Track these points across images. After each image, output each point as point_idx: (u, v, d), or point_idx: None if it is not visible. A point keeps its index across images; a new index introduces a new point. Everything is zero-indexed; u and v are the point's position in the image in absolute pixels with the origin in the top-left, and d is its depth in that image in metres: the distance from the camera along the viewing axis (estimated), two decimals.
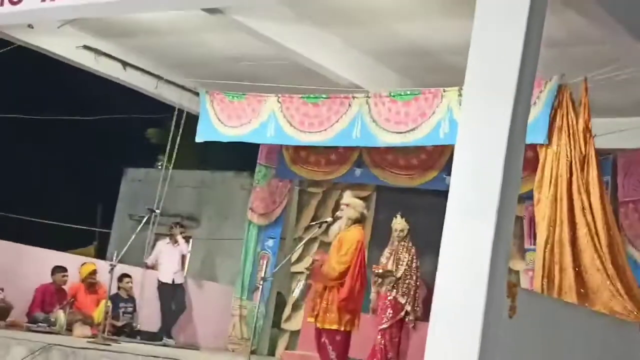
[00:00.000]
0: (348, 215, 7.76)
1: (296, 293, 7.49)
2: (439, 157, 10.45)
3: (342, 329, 7.44)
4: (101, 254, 15.77)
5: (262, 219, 11.90)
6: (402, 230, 9.85)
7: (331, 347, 7.42)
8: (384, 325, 9.65)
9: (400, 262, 9.79)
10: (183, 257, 11.30)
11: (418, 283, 9.87)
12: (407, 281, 9.75)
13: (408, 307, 9.71)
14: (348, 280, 7.40)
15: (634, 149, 9.43)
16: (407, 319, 9.78)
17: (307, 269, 7.74)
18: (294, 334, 11.48)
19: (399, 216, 9.95)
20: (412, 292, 9.77)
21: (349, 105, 9.69)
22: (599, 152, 7.89)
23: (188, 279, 11.70)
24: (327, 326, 7.44)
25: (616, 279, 7.29)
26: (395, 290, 9.72)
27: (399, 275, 9.73)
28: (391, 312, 9.68)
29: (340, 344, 7.43)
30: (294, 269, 11.71)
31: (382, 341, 9.65)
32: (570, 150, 7.61)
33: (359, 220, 7.79)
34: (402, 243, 9.87)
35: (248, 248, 11.91)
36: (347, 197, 7.98)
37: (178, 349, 10.21)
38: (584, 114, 7.68)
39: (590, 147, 7.64)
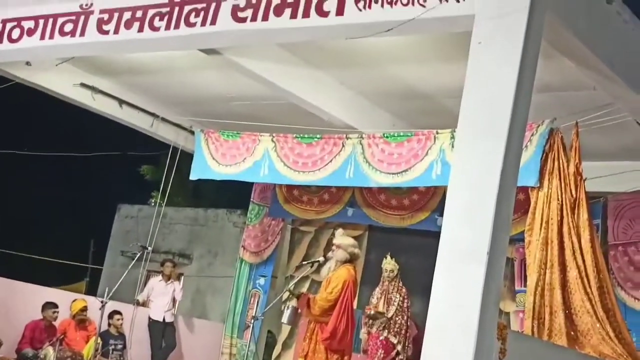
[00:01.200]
0: (337, 257, 7.76)
1: (284, 319, 7.44)
2: (431, 198, 10.50)
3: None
4: (92, 291, 15.67)
5: (253, 257, 11.89)
6: (392, 271, 9.85)
7: None
8: None
9: (392, 303, 9.77)
10: (174, 298, 11.23)
11: (409, 323, 9.84)
12: (398, 321, 9.72)
13: (399, 347, 9.67)
14: (332, 319, 7.37)
15: (624, 192, 9.48)
16: (397, 359, 9.73)
17: (289, 290, 7.69)
18: None
19: (388, 256, 9.95)
20: (402, 332, 9.74)
21: (343, 145, 9.73)
22: (590, 196, 7.93)
23: (179, 317, 11.63)
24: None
25: (606, 321, 7.28)
26: (386, 331, 9.68)
27: (390, 315, 9.71)
28: (382, 352, 9.64)
29: None
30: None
31: None
32: (561, 194, 7.64)
33: (350, 260, 7.77)
34: (393, 283, 9.85)
35: (239, 286, 11.88)
36: (338, 237, 7.97)
37: None
38: (575, 157, 7.72)
39: (581, 190, 7.67)
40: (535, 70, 5.61)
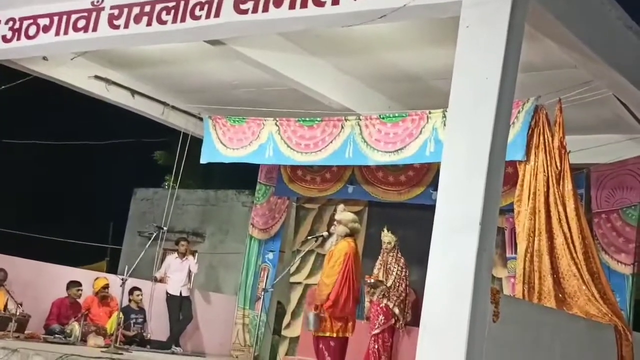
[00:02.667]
0: (338, 232, 7.75)
1: (310, 326, 7.36)
2: (426, 174, 10.49)
3: (335, 335, 7.39)
4: (113, 269, 15.70)
5: (262, 234, 11.91)
6: (389, 243, 9.87)
7: (327, 352, 7.38)
8: (376, 331, 9.64)
9: (390, 272, 9.79)
10: (190, 273, 11.25)
11: (407, 291, 9.87)
12: (397, 289, 9.75)
13: (397, 312, 9.70)
14: (335, 287, 7.36)
15: (605, 163, 9.47)
16: (398, 325, 9.77)
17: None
18: (294, 340, 11.44)
19: (385, 229, 9.96)
20: (402, 299, 9.77)
21: (342, 127, 9.72)
22: (574, 167, 7.92)
23: (194, 291, 11.67)
24: (321, 334, 7.40)
25: (591, 284, 7.29)
26: (386, 298, 9.71)
27: (389, 284, 9.73)
28: (383, 318, 9.67)
29: (335, 349, 7.39)
30: (293, 279, 11.71)
31: (375, 346, 9.64)
32: (547, 166, 7.63)
33: (350, 234, 7.76)
34: (391, 254, 9.87)
35: (249, 261, 11.91)
36: (339, 213, 7.96)
37: (186, 356, 10.18)
38: (559, 132, 7.71)
39: (565, 162, 7.66)
40: (520, 51, 5.58)
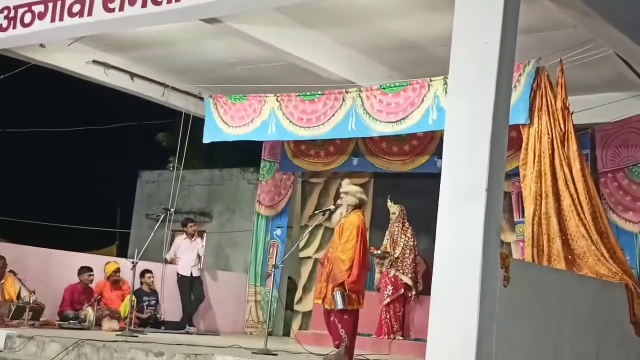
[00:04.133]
0: (347, 202, 7.71)
1: (339, 305, 7.36)
2: (429, 142, 10.47)
3: (348, 308, 7.41)
4: (123, 253, 15.77)
5: (269, 210, 11.92)
6: (393, 213, 9.89)
7: (340, 325, 7.38)
8: (386, 301, 9.69)
9: (398, 243, 9.80)
10: (199, 254, 11.27)
11: (417, 260, 9.88)
12: (405, 259, 9.76)
13: (409, 282, 9.73)
14: (355, 264, 7.34)
15: (609, 122, 9.42)
16: (409, 294, 9.80)
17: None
18: (306, 314, 11.50)
19: (389, 200, 9.95)
20: (411, 269, 9.78)
21: (343, 99, 9.69)
22: (578, 128, 7.89)
23: (204, 271, 11.71)
24: (333, 307, 7.42)
25: (600, 243, 7.30)
26: (394, 269, 9.74)
27: (396, 254, 9.75)
28: (392, 288, 9.71)
29: (348, 322, 7.40)
30: (302, 254, 11.74)
31: (387, 316, 9.69)
32: (551, 128, 7.60)
33: (358, 206, 7.74)
34: (397, 224, 9.88)
35: (258, 238, 11.93)
36: (345, 185, 7.92)
37: (200, 335, 10.22)
38: (561, 93, 7.67)
39: (569, 123, 7.64)
40: (519, 13, 5.52)
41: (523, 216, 8.10)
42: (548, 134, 7.58)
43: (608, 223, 7.72)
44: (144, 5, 7.50)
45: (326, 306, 7.47)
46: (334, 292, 7.28)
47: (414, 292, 9.80)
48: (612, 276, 7.11)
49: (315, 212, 10.01)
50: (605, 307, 6.96)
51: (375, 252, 9.73)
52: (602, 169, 9.50)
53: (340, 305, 7.25)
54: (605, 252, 7.27)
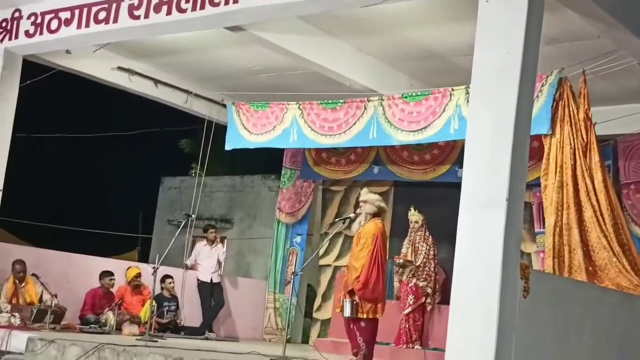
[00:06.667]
0: (366, 210, 7.72)
1: (347, 313, 7.39)
2: (451, 151, 10.44)
3: (366, 317, 7.40)
4: (144, 258, 15.84)
5: (289, 218, 11.93)
6: (416, 222, 9.84)
7: (358, 333, 7.39)
8: (407, 311, 9.65)
9: (419, 252, 9.77)
10: (219, 260, 11.29)
11: (437, 269, 9.85)
12: (426, 269, 9.73)
13: (429, 291, 9.69)
14: (364, 270, 7.35)
15: (632, 133, 9.35)
16: (428, 304, 9.76)
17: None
18: (325, 322, 11.48)
19: (412, 209, 9.93)
20: (431, 278, 9.75)
21: (365, 108, 9.69)
22: (600, 139, 7.84)
23: (224, 277, 11.73)
24: (343, 314, 7.42)
25: (622, 255, 7.23)
26: (415, 278, 9.70)
27: (418, 263, 9.71)
28: (413, 297, 9.67)
29: (366, 330, 7.40)
30: (322, 262, 11.73)
31: (407, 325, 9.64)
32: (573, 139, 7.56)
33: (377, 214, 7.74)
34: (419, 233, 9.85)
35: (278, 245, 11.95)
36: (364, 193, 7.93)
37: (219, 341, 10.23)
38: (584, 103, 7.63)
39: (591, 134, 7.59)
40: (542, 23, 5.50)
41: (544, 227, 8.05)
42: (570, 144, 7.54)
43: (630, 235, 7.66)
44: (169, 12, 7.58)
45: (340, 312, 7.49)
46: (344, 300, 7.30)
47: (435, 302, 9.76)
48: (634, 289, 7.03)
49: (336, 220, 10.01)
50: (626, 321, 6.89)
51: (398, 260, 9.71)
52: (624, 181, 9.42)
53: (348, 313, 7.27)
54: (627, 264, 7.20)
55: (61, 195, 21.84)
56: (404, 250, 9.88)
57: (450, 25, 8.06)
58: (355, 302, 7.24)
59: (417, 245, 9.81)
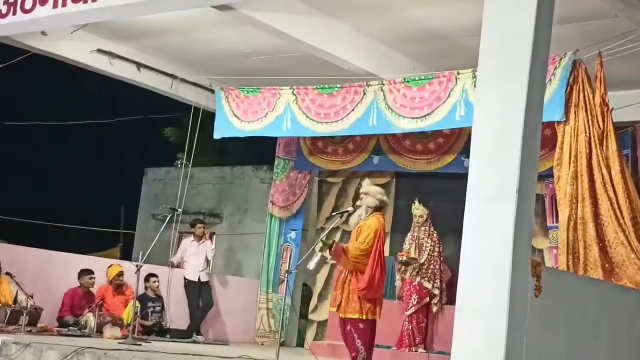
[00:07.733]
0: (367, 203, 7.71)
1: (311, 265, 7.47)
2: (456, 140, 10.44)
3: (364, 317, 7.42)
4: (127, 255, 15.84)
5: (283, 212, 11.93)
6: (421, 216, 9.84)
7: (356, 335, 7.40)
8: (411, 311, 9.66)
9: (423, 248, 9.78)
10: (207, 257, 11.30)
11: (442, 267, 9.86)
12: (431, 266, 9.74)
13: (435, 291, 9.70)
14: (368, 270, 7.35)
15: None
16: (433, 304, 9.77)
17: (322, 240, 7.67)
18: (322, 324, 11.50)
19: (417, 202, 9.93)
20: (437, 277, 9.76)
21: (364, 93, 9.69)
22: (618, 126, 7.84)
23: (213, 276, 11.74)
24: (349, 315, 7.43)
25: None
26: (419, 276, 9.72)
27: (422, 261, 9.72)
28: (416, 297, 9.69)
29: (364, 332, 7.41)
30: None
31: (410, 326, 9.67)
32: (588, 126, 7.56)
33: (379, 208, 7.74)
34: (423, 228, 9.85)
35: (271, 241, 11.95)
36: (366, 185, 7.93)
37: (208, 345, 10.26)
38: (600, 88, 7.62)
39: (608, 121, 7.59)
40: (554, 1, 5.49)
41: (557, 221, 8.07)
42: (585, 132, 7.55)
43: None
44: None
45: (340, 314, 7.49)
46: (317, 253, 7.36)
47: (440, 302, 9.77)
48: None
49: (333, 214, 10.00)
50: None
51: (401, 257, 9.72)
52: None
53: (311, 266, 7.39)
54: None
55: (36, 188, 21.84)
56: (406, 246, 9.89)
57: (455, 4, 8.05)
58: (324, 260, 7.30)
59: (421, 241, 9.82)
